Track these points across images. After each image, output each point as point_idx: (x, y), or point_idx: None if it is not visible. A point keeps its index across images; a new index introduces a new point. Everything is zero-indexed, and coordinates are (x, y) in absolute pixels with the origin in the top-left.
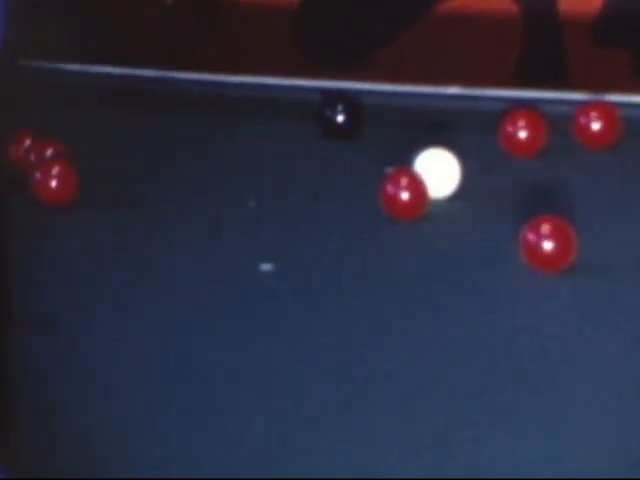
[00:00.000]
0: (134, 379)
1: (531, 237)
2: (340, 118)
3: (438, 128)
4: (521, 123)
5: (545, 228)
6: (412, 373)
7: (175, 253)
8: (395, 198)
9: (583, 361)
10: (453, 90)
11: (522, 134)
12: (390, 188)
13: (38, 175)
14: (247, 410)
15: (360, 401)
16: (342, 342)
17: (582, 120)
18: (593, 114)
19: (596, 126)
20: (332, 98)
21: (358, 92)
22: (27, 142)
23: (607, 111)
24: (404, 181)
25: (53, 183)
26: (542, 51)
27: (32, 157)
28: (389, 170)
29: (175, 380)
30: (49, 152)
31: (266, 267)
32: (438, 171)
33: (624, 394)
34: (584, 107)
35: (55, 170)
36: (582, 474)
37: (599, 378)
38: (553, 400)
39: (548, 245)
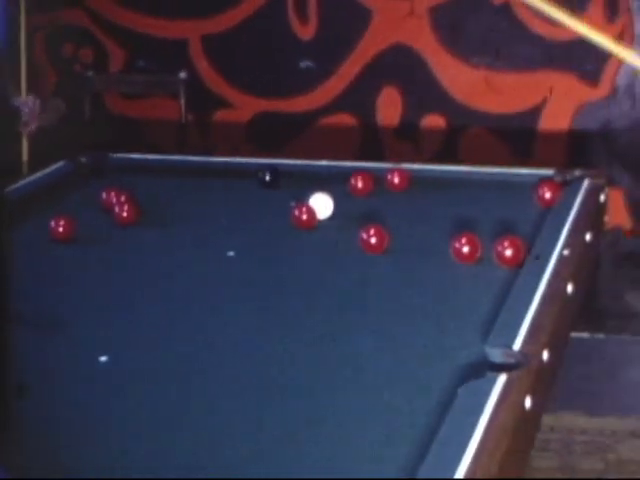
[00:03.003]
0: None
1: (364, 235)
2: (267, 177)
3: (320, 183)
4: (358, 179)
5: (371, 230)
6: None
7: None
8: (299, 218)
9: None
10: (324, 162)
11: (360, 184)
12: (296, 212)
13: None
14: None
15: None
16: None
17: (389, 177)
18: (395, 174)
19: (396, 180)
20: (264, 168)
21: (278, 164)
22: None
23: (403, 173)
24: (304, 209)
25: None
26: None
27: None
28: (293, 204)
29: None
30: None
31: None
32: (321, 204)
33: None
34: (391, 170)
35: None
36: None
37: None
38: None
39: (373, 240)
